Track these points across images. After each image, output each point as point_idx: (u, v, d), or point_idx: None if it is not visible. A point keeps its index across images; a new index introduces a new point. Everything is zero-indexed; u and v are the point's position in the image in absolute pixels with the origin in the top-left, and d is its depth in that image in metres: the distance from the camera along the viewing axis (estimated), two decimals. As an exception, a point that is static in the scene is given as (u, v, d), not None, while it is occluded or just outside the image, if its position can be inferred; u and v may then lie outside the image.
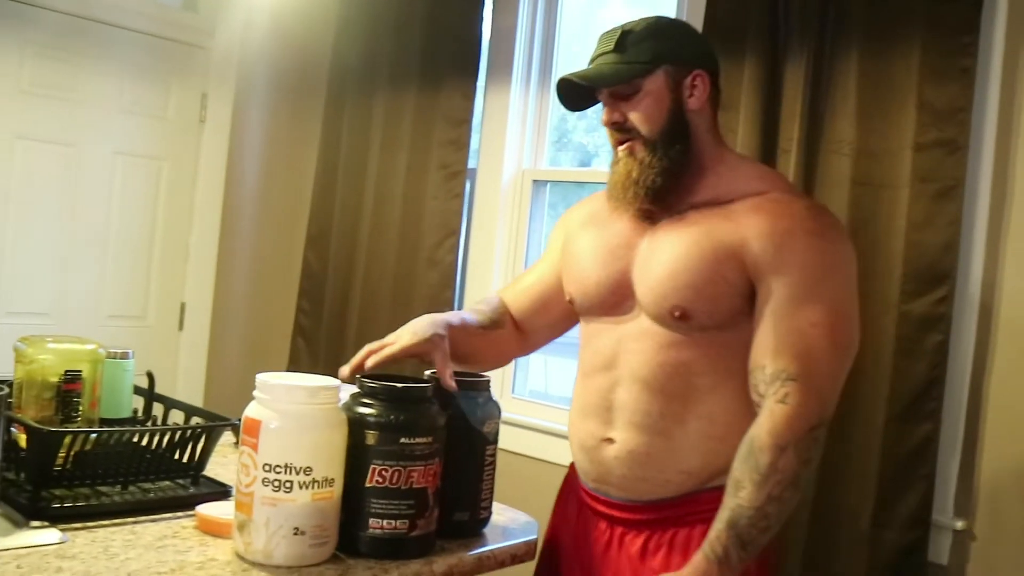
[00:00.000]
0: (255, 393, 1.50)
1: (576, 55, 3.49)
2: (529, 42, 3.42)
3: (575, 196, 3.39)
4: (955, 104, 2.30)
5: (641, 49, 1.71)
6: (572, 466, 1.91)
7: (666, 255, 1.70)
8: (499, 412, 1.75)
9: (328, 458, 1.48)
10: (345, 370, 1.71)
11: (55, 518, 1.56)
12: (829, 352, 1.60)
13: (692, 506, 1.70)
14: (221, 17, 3.80)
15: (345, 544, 1.54)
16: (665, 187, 1.72)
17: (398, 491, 1.54)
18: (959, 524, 2.34)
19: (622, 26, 1.74)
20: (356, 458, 1.54)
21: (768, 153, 2.57)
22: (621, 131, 1.74)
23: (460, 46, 3.40)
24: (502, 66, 3.43)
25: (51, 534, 1.50)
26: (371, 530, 1.54)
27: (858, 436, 2.39)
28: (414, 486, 1.55)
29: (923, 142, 2.33)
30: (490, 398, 1.74)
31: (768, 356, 1.60)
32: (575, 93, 1.78)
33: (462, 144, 3.39)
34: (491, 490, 1.75)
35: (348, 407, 1.57)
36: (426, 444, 1.56)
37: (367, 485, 1.53)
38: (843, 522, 2.40)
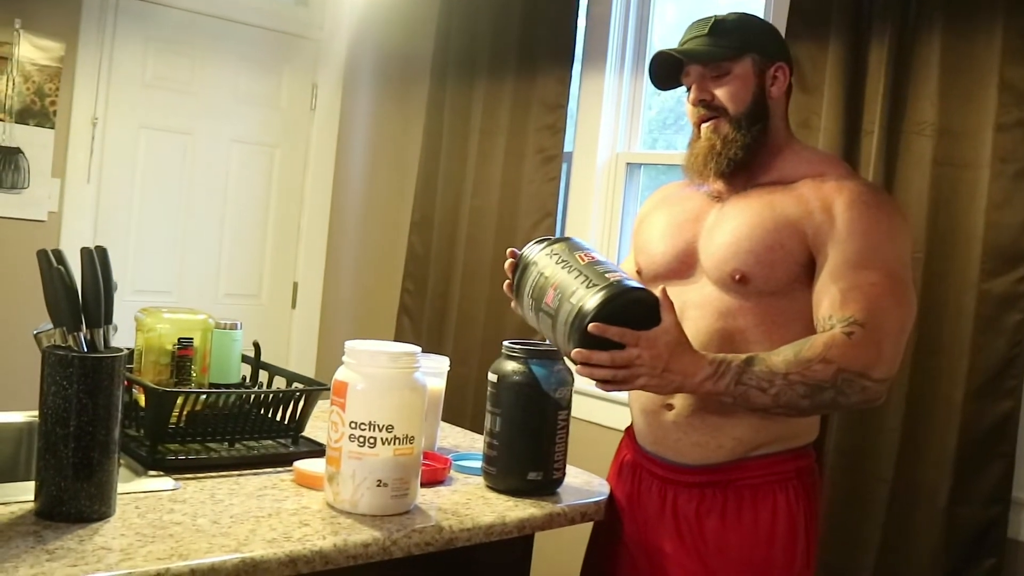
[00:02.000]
0: (344, 358, 1.65)
1: (668, 41, 3.56)
2: (623, 29, 3.51)
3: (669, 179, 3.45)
4: (1037, 84, 2.32)
5: (732, 37, 1.85)
6: (628, 430, 2.03)
7: (731, 225, 1.82)
8: (572, 380, 1.86)
9: (408, 417, 1.61)
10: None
11: (170, 469, 1.74)
12: (892, 309, 1.68)
13: (741, 471, 1.80)
14: (330, 10, 3.98)
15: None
16: (744, 161, 1.85)
17: (607, 264, 1.72)
18: (1041, 501, 2.36)
19: (715, 16, 1.88)
20: (562, 262, 1.74)
21: (851, 134, 2.61)
22: (708, 108, 1.87)
23: (556, 34, 3.50)
24: (597, 52, 3.52)
25: (166, 482, 1.67)
26: (609, 279, 1.67)
27: (937, 413, 2.42)
28: (597, 259, 1.74)
29: (1004, 122, 2.34)
30: (563, 367, 1.85)
31: (835, 306, 1.68)
32: (665, 72, 1.92)
33: (558, 129, 3.49)
34: (564, 452, 1.86)
35: (531, 253, 1.81)
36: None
37: (584, 264, 1.71)
38: (922, 499, 2.43)
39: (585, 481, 1.98)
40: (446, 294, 3.83)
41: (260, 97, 3.90)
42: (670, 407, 1.83)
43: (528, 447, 1.82)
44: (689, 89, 1.90)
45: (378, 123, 4.20)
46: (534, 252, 1.80)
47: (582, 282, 1.68)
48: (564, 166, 3.55)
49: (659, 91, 2.01)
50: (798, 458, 1.83)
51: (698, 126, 1.89)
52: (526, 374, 1.81)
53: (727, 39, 1.85)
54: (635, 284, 1.69)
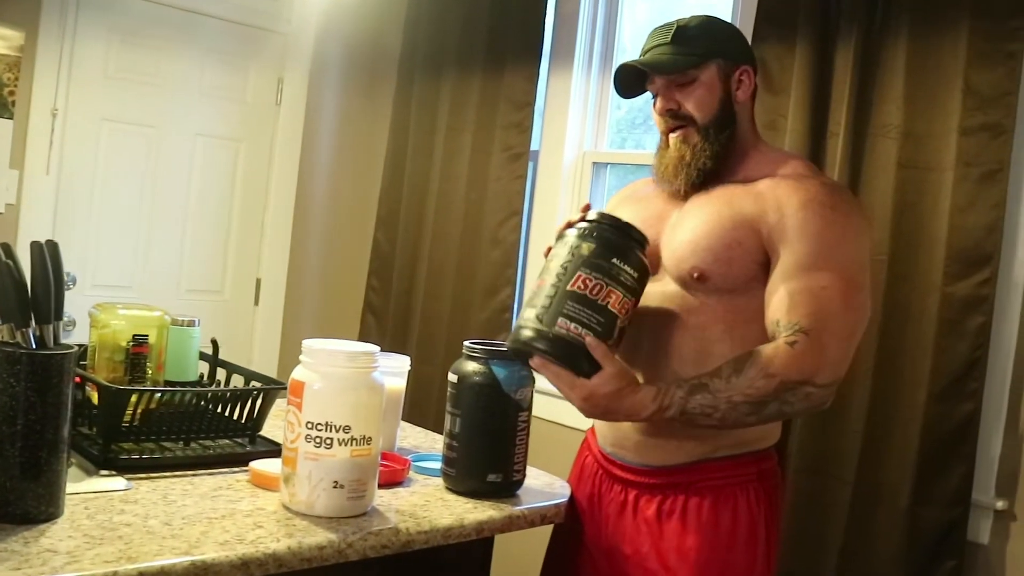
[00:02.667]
0: (301, 357, 1.62)
1: (637, 40, 3.55)
2: (591, 27, 3.49)
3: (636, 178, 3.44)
4: (1001, 88, 2.31)
5: (695, 43, 1.84)
6: (590, 430, 2.02)
7: (691, 223, 1.82)
8: (533, 381, 1.84)
9: (365, 418, 1.59)
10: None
11: (122, 468, 1.70)
12: (840, 314, 1.67)
13: (702, 473, 1.79)
14: (297, 4, 3.94)
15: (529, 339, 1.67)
16: (714, 169, 1.84)
17: (594, 303, 1.65)
18: (1000, 504, 2.36)
19: (676, 22, 1.86)
20: (568, 264, 1.69)
21: (817, 136, 2.61)
22: (675, 118, 1.85)
23: (524, 31, 3.48)
24: (565, 51, 3.51)
25: (117, 482, 1.64)
26: (557, 328, 1.64)
27: (899, 415, 2.42)
28: (609, 307, 1.67)
29: (968, 126, 2.35)
30: (524, 368, 1.83)
31: (782, 310, 1.68)
32: (630, 80, 1.90)
33: (525, 127, 3.47)
34: (524, 454, 1.84)
35: (575, 226, 1.75)
36: (632, 277, 1.69)
37: (569, 288, 1.66)
38: (883, 500, 2.43)
39: (546, 483, 1.96)
40: (411, 292, 3.81)
41: (225, 91, 3.85)
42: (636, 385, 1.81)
43: (488, 449, 1.81)
44: (655, 96, 1.89)
45: (344, 118, 4.16)
46: (567, 236, 1.76)
47: (544, 305, 1.68)
48: (531, 164, 3.53)
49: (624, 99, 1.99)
50: (760, 460, 1.82)
51: (666, 135, 1.88)
52: (487, 375, 1.80)
53: (690, 46, 1.83)
54: (568, 342, 1.64)
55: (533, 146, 3.51)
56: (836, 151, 2.55)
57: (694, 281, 1.78)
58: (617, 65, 1.90)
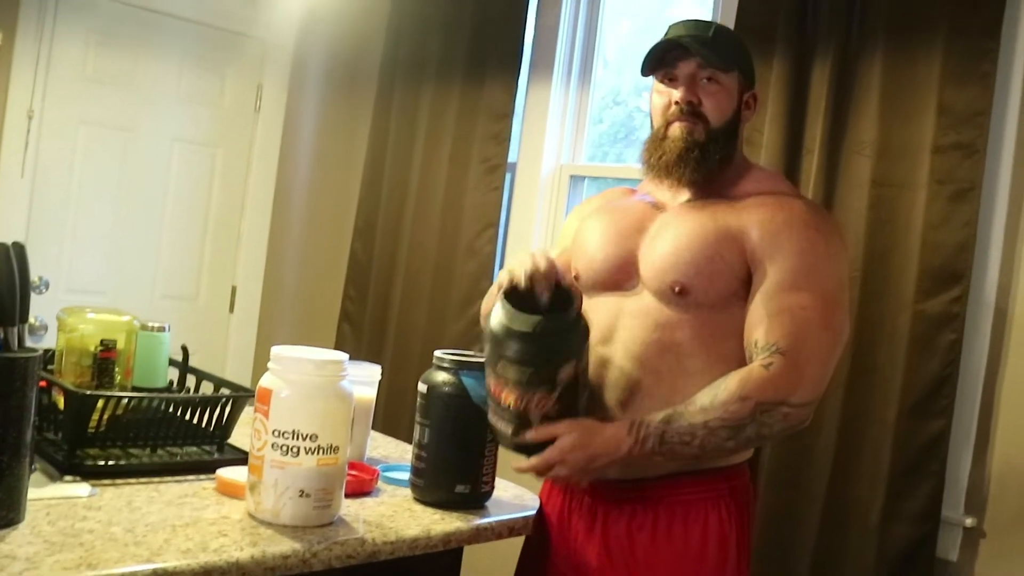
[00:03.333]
0: (269, 364, 1.61)
1: (617, 54, 3.56)
2: (571, 40, 3.50)
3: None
4: (974, 108, 2.34)
5: (729, 49, 1.85)
6: None
7: (672, 235, 1.81)
8: (502, 392, 1.84)
9: (333, 426, 1.58)
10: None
11: (87, 474, 1.69)
12: (819, 334, 1.68)
13: (672, 489, 1.78)
14: (277, 9, 3.91)
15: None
16: (713, 174, 1.84)
17: (499, 404, 1.72)
18: (969, 521, 2.37)
19: (713, 22, 1.88)
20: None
21: (792, 153, 2.62)
22: (692, 113, 1.83)
23: (504, 43, 3.47)
24: (544, 63, 3.51)
25: (81, 488, 1.62)
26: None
27: (870, 431, 2.43)
28: (503, 403, 1.70)
29: (942, 144, 2.37)
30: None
31: (761, 331, 1.68)
32: (659, 57, 1.86)
33: (503, 138, 3.46)
34: (493, 465, 1.84)
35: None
36: (518, 371, 1.67)
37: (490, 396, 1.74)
38: (853, 516, 2.44)
39: (515, 495, 1.96)
40: (387, 302, 3.79)
41: (203, 96, 3.83)
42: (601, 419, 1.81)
43: (456, 459, 1.80)
44: (663, 80, 1.87)
45: (323, 126, 4.15)
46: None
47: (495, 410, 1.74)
48: (508, 176, 3.52)
49: (642, 76, 1.94)
50: (731, 476, 1.82)
51: (667, 125, 1.85)
52: (456, 385, 1.79)
53: (725, 50, 1.84)
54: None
55: (511, 158, 3.51)
56: (811, 167, 2.56)
57: (674, 295, 1.77)
58: (653, 43, 1.85)
